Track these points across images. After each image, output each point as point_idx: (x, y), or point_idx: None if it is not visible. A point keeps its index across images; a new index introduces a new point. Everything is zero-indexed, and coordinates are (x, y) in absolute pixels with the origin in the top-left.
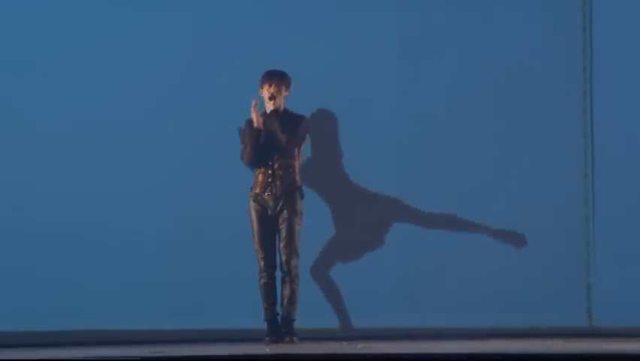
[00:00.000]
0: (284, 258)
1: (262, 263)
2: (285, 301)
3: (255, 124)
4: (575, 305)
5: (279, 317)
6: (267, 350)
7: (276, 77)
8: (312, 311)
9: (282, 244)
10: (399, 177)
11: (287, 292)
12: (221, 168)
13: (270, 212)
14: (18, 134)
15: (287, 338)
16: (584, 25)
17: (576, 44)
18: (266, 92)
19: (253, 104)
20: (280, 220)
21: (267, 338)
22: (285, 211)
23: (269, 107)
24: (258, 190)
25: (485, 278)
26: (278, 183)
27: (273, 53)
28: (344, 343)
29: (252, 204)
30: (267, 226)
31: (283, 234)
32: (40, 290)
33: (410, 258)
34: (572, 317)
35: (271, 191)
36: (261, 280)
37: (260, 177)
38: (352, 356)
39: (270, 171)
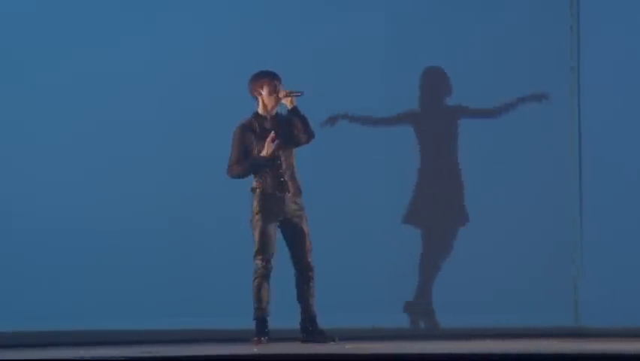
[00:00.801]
0: (301, 254)
1: (261, 263)
2: (306, 296)
3: (265, 154)
4: (562, 305)
5: (268, 318)
6: (255, 350)
7: (274, 76)
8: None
9: (298, 243)
10: (387, 177)
11: (308, 286)
12: (220, 169)
13: (278, 212)
14: (17, 138)
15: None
16: (571, 25)
17: (564, 44)
18: (266, 90)
19: (268, 144)
20: (292, 219)
21: (255, 338)
22: (296, 210)
23: (287, 104)
24: (269, 191)
25: (475, 279)
26: (288, 182)
27: (269, 53)
28: (332, 343)
29: (258, 204)
30: (272, 226)
31: (299, 233)
32: (40, 290)
33: (407, 259)
34: (559, 317)
35: (282, 191)
36: (256, 280)
37: (268, 179)
38: (350, 357)
39: (279, 171)
